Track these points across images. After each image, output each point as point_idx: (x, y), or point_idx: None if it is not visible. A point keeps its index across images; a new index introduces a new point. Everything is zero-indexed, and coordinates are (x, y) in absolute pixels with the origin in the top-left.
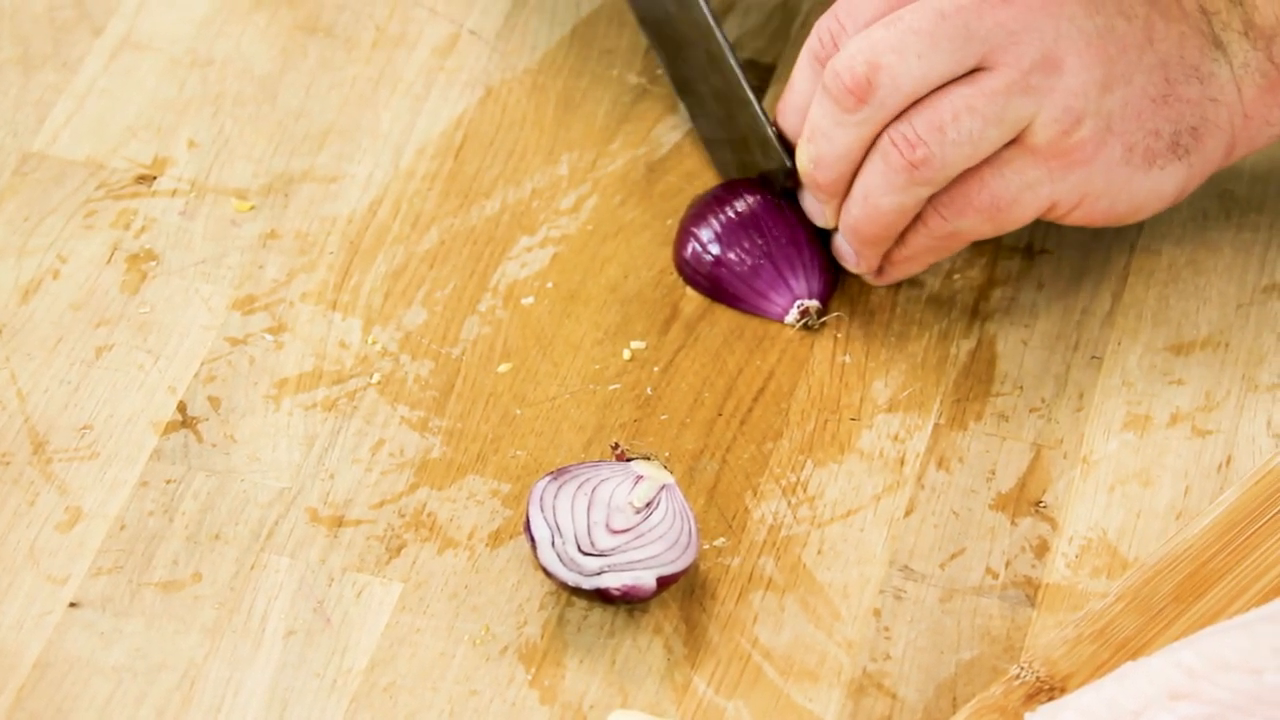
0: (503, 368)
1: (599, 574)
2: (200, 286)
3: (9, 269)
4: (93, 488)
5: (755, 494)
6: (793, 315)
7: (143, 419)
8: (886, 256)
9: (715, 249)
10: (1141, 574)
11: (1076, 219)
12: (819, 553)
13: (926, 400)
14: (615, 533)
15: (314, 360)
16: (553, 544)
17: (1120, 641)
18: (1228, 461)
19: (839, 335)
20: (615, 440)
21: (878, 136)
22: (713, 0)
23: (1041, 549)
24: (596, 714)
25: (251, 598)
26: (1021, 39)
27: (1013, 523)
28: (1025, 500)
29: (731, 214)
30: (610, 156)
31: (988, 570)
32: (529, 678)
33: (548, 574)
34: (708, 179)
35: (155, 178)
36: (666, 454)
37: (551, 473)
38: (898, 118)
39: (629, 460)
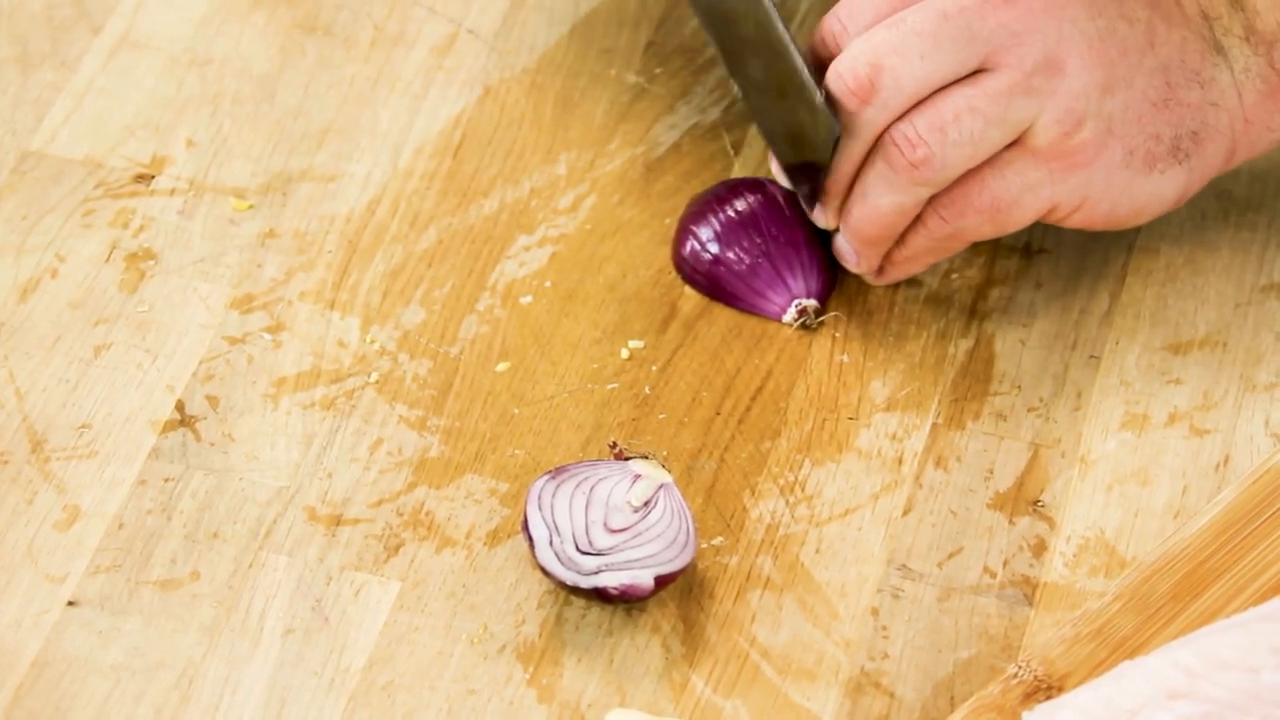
0: (501, 367)
1: (597, 573)
2: (198, 285)
3: (7, 267)
4: (91, 486)
5: (753, 493)
6: (791, 314)
7: (141, 418)
8: (887, 257)
9: (714, 248)
10: (1139, 573)
11: (1076, 222)
12: (817, 552)
13: (924, 399)
14: (613, 532)
15: (312, 359)
16: (551, 543)
17: (1118, 640)
18: (1225, 461)
19: (837, 335)
20: (613, 439)
21: (879, 137)
22: None
23: (1039, 548)
24: (594, 713)
25: (249, 596)
26: (1024, 40)
27: (1010, 522)
28: (1023, 499)
29: (730, 213)
30: (608, 156)
31: (985, 569)
32: (527, 676)
33: (546, 573)
34: (706, 178)
35: (154, 177)
36: (664, 453)
37: (549, 472)
38: (899, 118)
39: (627, 459)
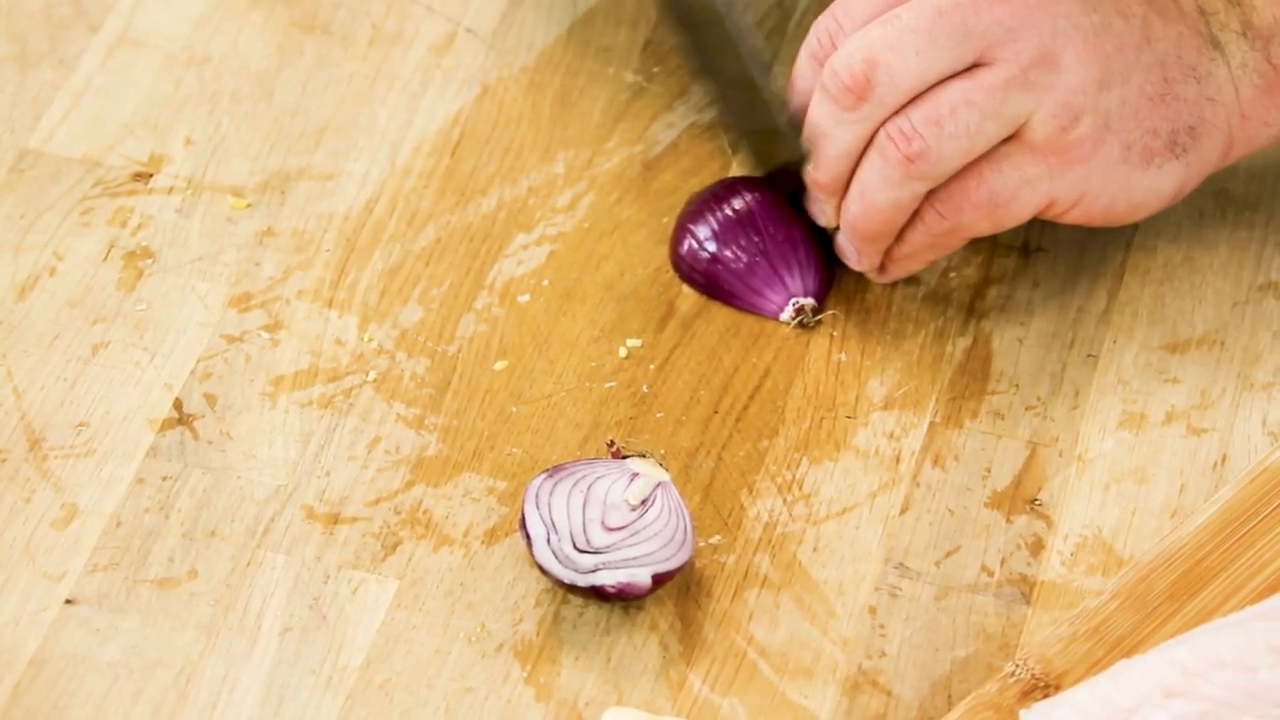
0: (499, 365)
1: (594, 571)
2: (196, 284)
3: (5, 266)
4: (89, 485)
5: (751, 491)
6: (788, 313)
7: (139, 416)
8: (887, 254)
9: (711, 246)
10: (1136, 572)
11: (1074, 217)
12: (814, 550)
13: (922, 398)
14: (611, 530)
15: (310, 358)
16: (548, 541)
17: (1115, 639)
18: (1223, 460)
19: (835, 333)
20: (611, 438)
21: (875, 133)
22: None
23: (1037, 547)
24: (592, 711)
25: (247, 595)
26: (1019, 35)
27: (1008, 520)
28: (1021, 498)
29: (728, 212)
30: (606, 154)
31: (983, 568)
32: (524, 675)
33: (543, 571)
34: (704, 177)
35: (152, 175)
36: (662, 451)
37: (547, 470)
38: (895, 114)
39: (625, 458)
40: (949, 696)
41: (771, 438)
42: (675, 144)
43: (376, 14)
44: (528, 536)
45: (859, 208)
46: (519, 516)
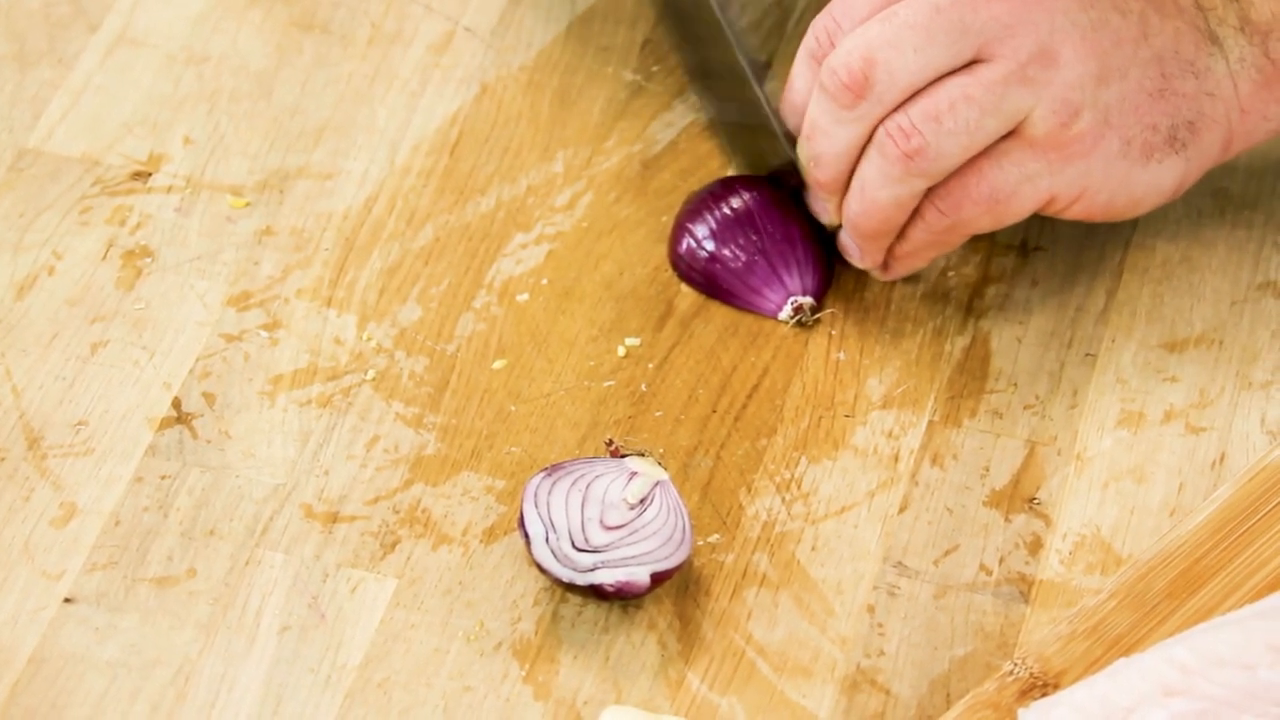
0: (497, 364)
1: (593, 570)
2: (195, 283)
3: (4, 265)
4: (88, 483)
5: (749, 490)
6: (786, 312)
7: (138, 415)
8: (889, 251)
9: (710, 245)
10: (1135, 570)
11: (1075, 213)
12: (813, 549)
13: (921, 397)
14: (609, 529)
15: (309, 356)
16: (547, 540)
17: (1114, 638)
18: (1221, 458)
19: (833, 332)
20: (610, 436)
21: (874, 131)
22: None
23: (1035, 545)
24: (590, 710)
25: (246, 593)
26: (1017, 32)
27: (1006, 519)
28: (1019, 497)
29: (727, 210)
30: (605, 153)
31: (981, 567)
32: (523, 674)
33: (542, 570)
34: (703, 176)
35: (151, 174)
36: (661, 450)
37: (546, 469)
38: (894, 111)
39: (623, 456)
40: (947, 695)
41: (770, 436)
42: (674, 143)
43: (375, 13)
44: (526, 535)
45: (860, 205)
46: (517, 515)
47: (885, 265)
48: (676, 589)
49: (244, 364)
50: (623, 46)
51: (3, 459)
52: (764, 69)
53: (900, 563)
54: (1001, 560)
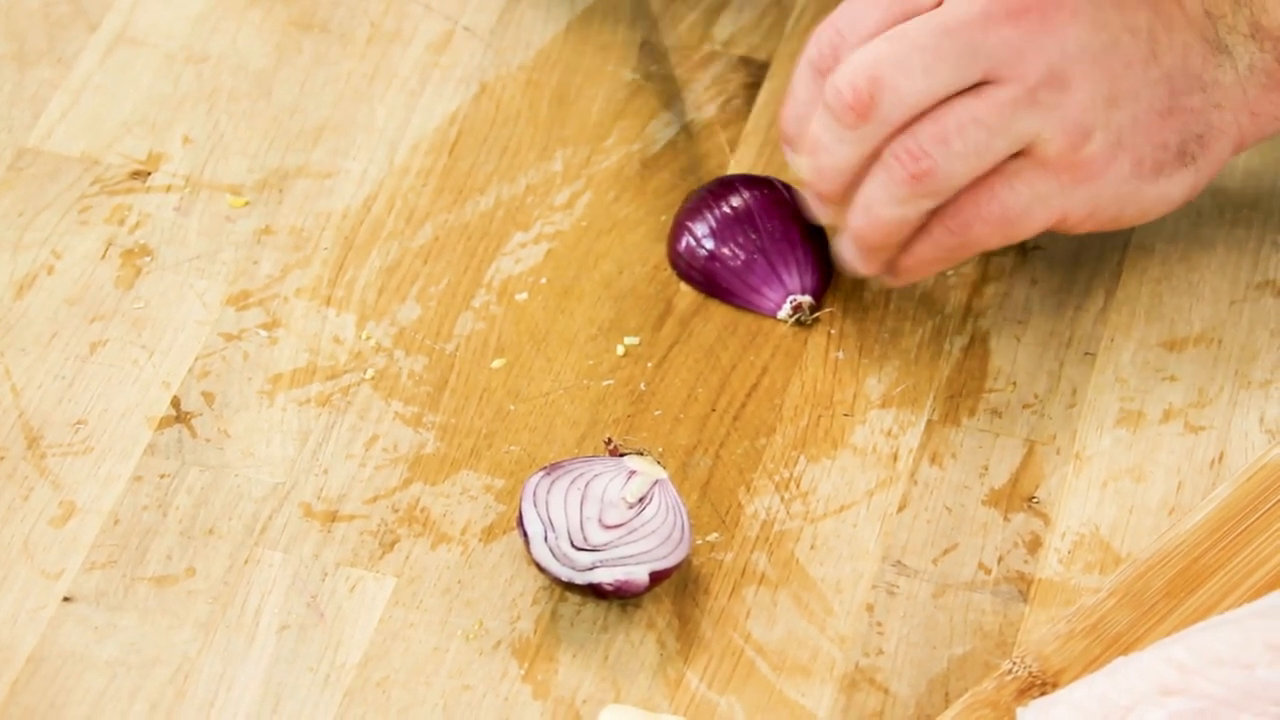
0: (496, 363)
1: (592, 569)
2: (195, 282)
3: (4, 264)
4: (87, 482)
5: (748, 489)
6: (785, 310)
7: (137, 414)
8: (893, 264)
9: (709, 244)
10: (1134, 569)
11: (1084, 229)
12: (812, 548)
13: (920, 396)
14: (608, 528)
15: (308, 356)
16: (546, 539)
17: (1112, 637)
18: (1220, 457)
19: (832, 331)
20: (609, 435)
21: (881, 148)
22: None
23: (1034, 545)
24: (589, 709)
25: (245, 592)
26: (1027, 55)
27: (1005, 518)
28: (1018, 496)
29: (726, 209)
30: (604, 152)
31: (980, 566)
32: (522, 673)
33: (541, 569)
34: (702, 175)
35: (150, 173)
36: (660, 449)
37: (545, 468)
38: (900, 130)
39: (622, 455)
40: (946, 694)
41: (769, 435)
42: (673, 142)
43: (375, 12)
44: (525, 534)
45: (864, 221)
46: (516, 514)
47: (890, 273)
48: (675, 588)
49: (243, 363)
50: (622, 45)
51: (2, 458)
52: (763, 68)
53: (899, 562)
54: (1000, 559)
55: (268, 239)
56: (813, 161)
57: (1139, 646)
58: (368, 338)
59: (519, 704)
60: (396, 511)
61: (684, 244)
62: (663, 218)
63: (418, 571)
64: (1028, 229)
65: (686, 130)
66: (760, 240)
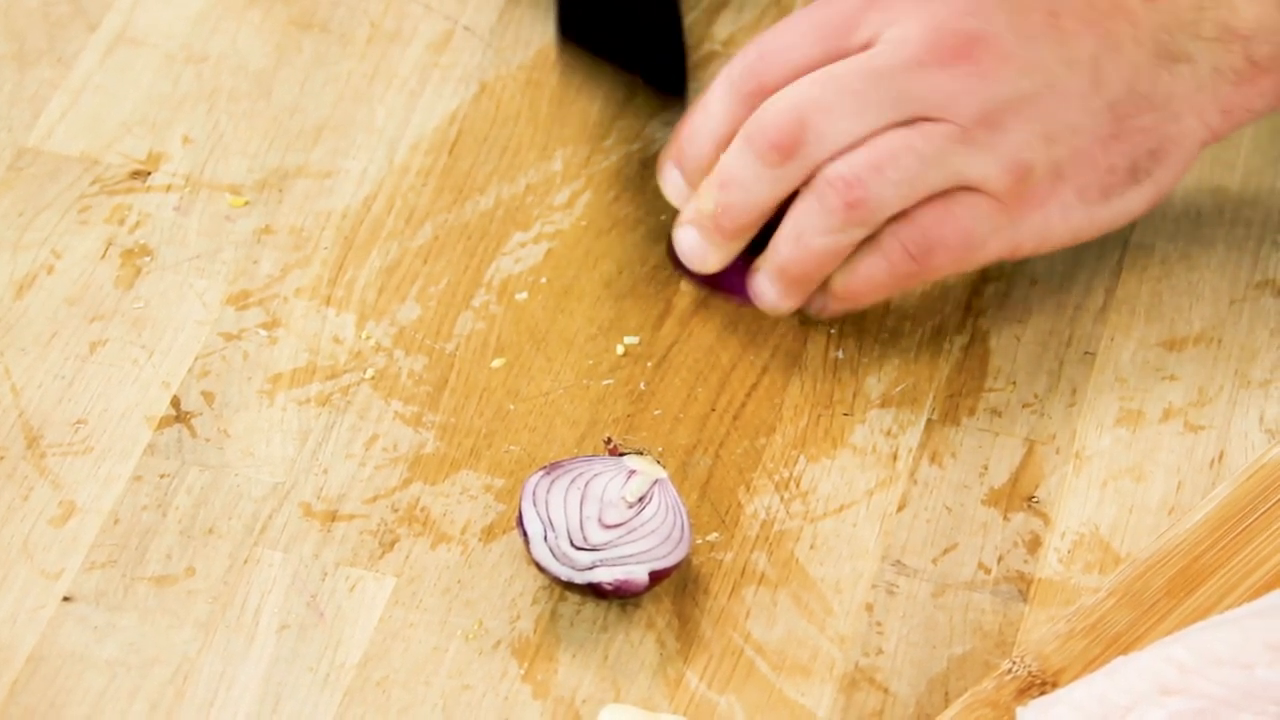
0: (496, 363)
1: (591, 568)
2: (195, 282)
3: (4, 264)
4: (86, 482)
5: (748, 489)
6: None
7: (137, 414)
8: (829, 291)
9: None
10: (1133, 569)
11: (1041, 253)
12: (811, 548)
13: (919, 395)
14: (608, 527)
15: (308, 355)
16: (545, 539)
17: (1112, 636)
18: (1220, 457)
19: (832, 331)
20: (608, 435)
21: (806, 181)
22: None
23: (1034, 544)
24: (589, 709)
25: (245, 592)
26: (959, 99)
27: (1005, 518)
28: (1018, 495)
29: None
30: (604, 152)
31: (980, 565)
32: (522, 672)
33: (540, 569)
34: None
35: (150, 173)
36: (659, 449)
37: (544, 467)
38: (831, 159)
39: (622, 455)
40: (946, 694)
41: (769, 435)
42: None
43: (374, 12)
44: (525, 534)
45: (793, 252)
46: (516, 514)
47: (821, 305)
48: (675, 587)
49: (243, 363)
50: None
51: (2, 458)
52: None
53: (899, 561)
54: (1000, 559)
55: (268, 239)
56: (721, 196)
57: (1139, 646)
58: (368, 337)
59: (519, 704)
60: (396, 511)
61: None
62: (662, 217)
63: (417, 571)
64: (984, 257)
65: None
66: (761, 235)
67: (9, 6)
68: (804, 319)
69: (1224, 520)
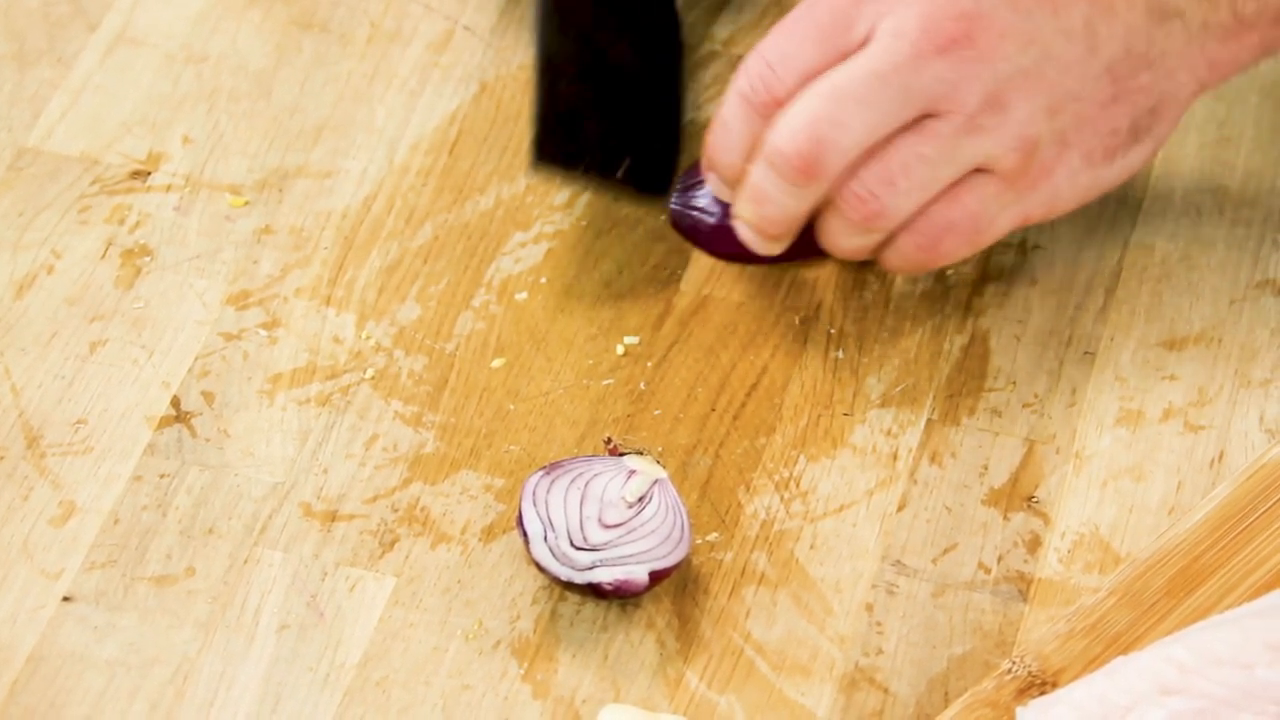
0: (496, 363)
1: (591, 569)
2: (195, 282)
3: (4, 264)
4: (87, 482)
5: (748, 489)
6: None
7: (137, 414)
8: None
9: (716, 206)
10: (1133, 569)
11: (1051, 219)
12: (811, 548)
13: (919, 395)
14: (608, 527)
15: (308, 355)
16: (545, 539)
17: (1112, 636)
18: (1220, 457)
19: (832, 331)
20: (608, 435)
21: (829, 195)
22: None
23: (1034, 544)
24: (589, 709)
25: (245, 592)
26: (961, 87)
27: (1005, 518)
28: (1018, 495)
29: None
30: None
31: (980, 565)
32: (521, 672)
33: (540, 569)
34: None
35: (150, 173)
36: (659, 449)
37: (544, 467)
38: (851, 167)
39: (622, 455)
40: (946, 694)
41: (769, 435)
42: None
43: (375, 12)
44: (525, 534)
45: (825, 245)
46: (516, 514)
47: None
48: (675, 587)
49: (243, 363)
50: None
51: (2, 458)
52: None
53: (899, 561)
54: (1000, 559)
55: (268, 239)
56: (757, 209)
57: (1139, 646)
58: (367, 337)
59: (518, 704)
60: (396, 511)
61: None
62: (662, 217)
63: (417, 571)
64: (994, 235)
65: (686, 130)
66: None
67: (9, 6)
68: (804, 319)
69: (1224, 520)
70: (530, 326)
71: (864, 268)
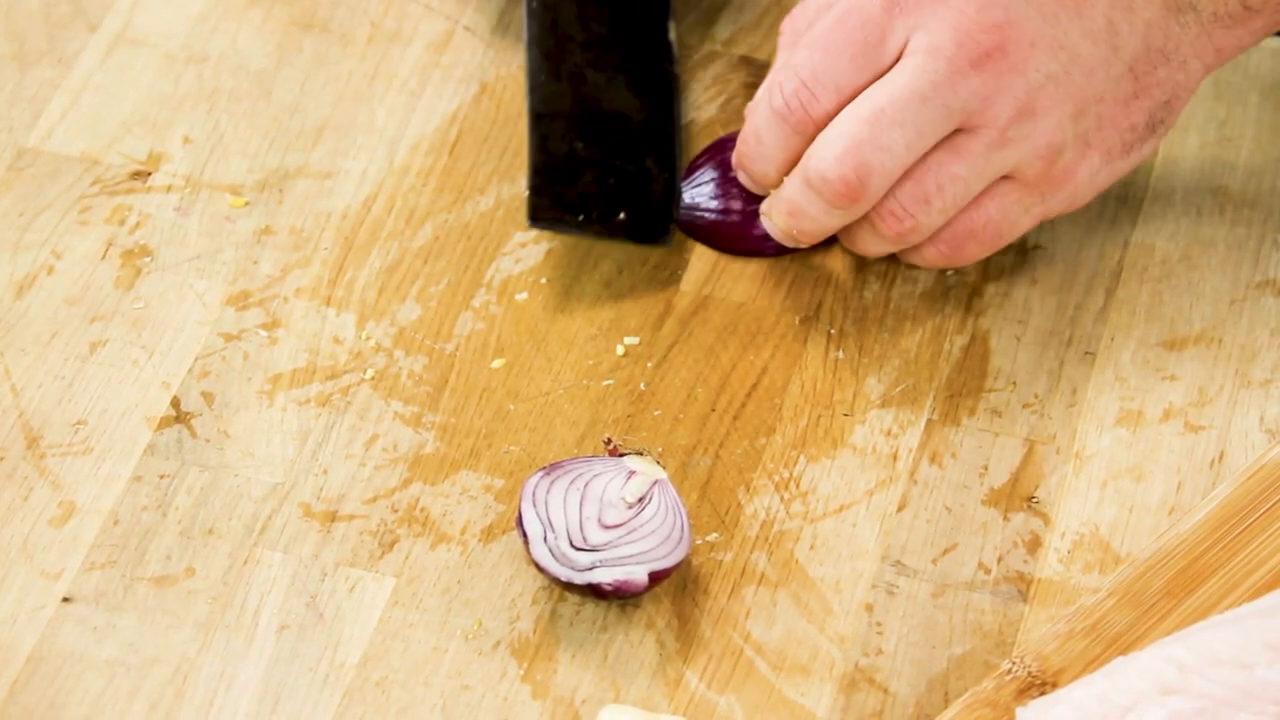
0: (496, 363)
1: (591, 569)
2: (195, 282)
3: (4, 264)
4: (86, 483)
5: (748, 489)
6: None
7: (137, 414)
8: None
9: (715, 203)
10: (1133, 569)
11: (1068, 212)
12: (811, 548)
13: (919, 396)
14: (607, 528)
15: (308, 356)
16: (545, 539)
17: (1112, 636)
18: (1220, 457)
19: (832, 331)
20: (608, 435)
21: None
22: None
23: (1034, 544)
24: (589, 709)
25: (244, 592)
26: (995, 101)
27: (1005, 518)
28: (1018, 495)
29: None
30: None
31: (980, 565)
32: (521, 672)
33: (540, 569)
34: None
35: (150, 173)
36: (659, 449)
37: (544, 468)
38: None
39: (622, 455)
40: (946, 694)
41: (769, 435)
42: None
43: (375, 12)
44: (525, 534)
45: (853, 248)
46: (516, 514)
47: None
48: (675, 588)
49: (243, 363)
50: None
51: (2, 458)
52: (764, 67)
53: (899, 561)
54: (1000, 559)
55: (268, 239)
56: (792, 221)
57: (1138, 646)
58: (368, 338)
59: (518, 704)
60: (396, 511)
61: (690, 194)
62: None
63: (417, 571)
64: (1015, 236)
65: (687, 130)
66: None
67: (9, 6)
68: (804, 319)
69: (1224, 520)
70: (530, 327)
71: (864, 267)
